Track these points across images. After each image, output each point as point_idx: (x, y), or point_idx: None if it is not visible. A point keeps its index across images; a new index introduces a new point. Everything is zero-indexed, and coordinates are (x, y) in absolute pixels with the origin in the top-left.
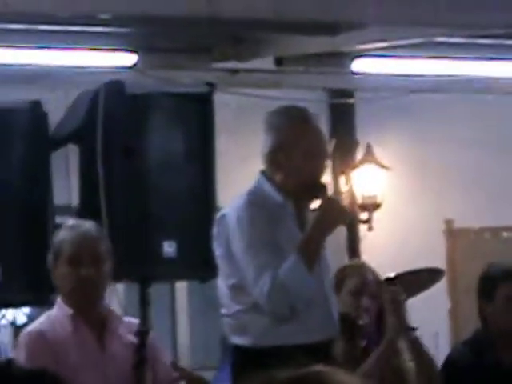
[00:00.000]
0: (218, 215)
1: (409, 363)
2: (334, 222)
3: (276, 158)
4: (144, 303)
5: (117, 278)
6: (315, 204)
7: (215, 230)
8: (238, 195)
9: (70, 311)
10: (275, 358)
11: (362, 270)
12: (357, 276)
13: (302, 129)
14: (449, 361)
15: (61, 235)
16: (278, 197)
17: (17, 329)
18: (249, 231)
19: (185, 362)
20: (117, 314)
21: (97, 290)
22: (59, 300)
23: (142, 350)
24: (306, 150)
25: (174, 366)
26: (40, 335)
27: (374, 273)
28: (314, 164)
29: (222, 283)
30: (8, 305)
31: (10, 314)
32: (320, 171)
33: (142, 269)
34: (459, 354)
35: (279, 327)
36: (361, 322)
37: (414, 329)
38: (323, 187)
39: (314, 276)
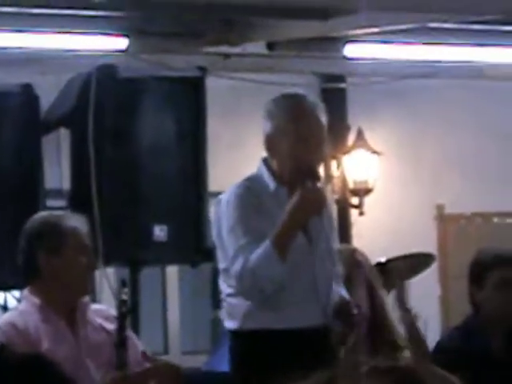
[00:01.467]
0: (216, 200)
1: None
2: (309, 211)
3: (272, 144)
4: (134, 287)
5: (107, 261)
6: None
7: (212, 216)
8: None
9: (37, 301)
10: (258, 342)
11: (354, 255)
12: (348, 263)
13: (296, 114)
14: (439, 347)
15: (64, 223)
16: (272, 184)
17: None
18: (233, 215)
19: (175, 346)
20: (86, 301)
21: (92, 280)
22: (26, 292)
23: (122, 331)
24: (298, 135)
25: (144, 356)
26: (11, 326)
27: (366, 258)
28: (308, 149)
29: (219, 267)
30: None
31: (1, 297)
32: (314, 156)
33: (133, 253)
34: (449, 340)
35: (262, 312)
36: (355, 312)
37: (409, 310)
38: (313, 171)
39: (304, 267)
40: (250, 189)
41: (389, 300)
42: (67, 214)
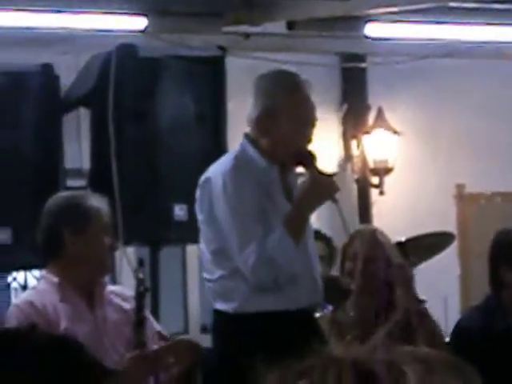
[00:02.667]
0: (202, 179)
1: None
2: (322, 196)
3: (264, 124)
4: (154, 267)
5: (128, 241)
6: (300, 169)
7: (198, 194)
8: (221, 159)
9: (56, 281)
10: (257, 324)
11: (375, 235)
12: (369, 242)
13: (293, 96)
14: (459, 326)
15: (89, 202)
16: (262, 162)
17: None
18: (235, 198)
19: (195, 325)
20: (104, 282)
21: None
22: (45, 272)
23: (141, 310)
24: (295, 117)
25: (160, 335)
26: (29, 305)
27: (386, 238)
28: (303, 132)
29: (204, 248)
30: (19, 267)
31: (21, 276)
32: (308, 139)
33: (153, 232)
34: (470, 320)
35: (262, 294)
36: (352, 287)
37: (423, 301)
38: (312, 155)
39: (300, 247)
40: (243, 169)
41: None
42: (89, 194)
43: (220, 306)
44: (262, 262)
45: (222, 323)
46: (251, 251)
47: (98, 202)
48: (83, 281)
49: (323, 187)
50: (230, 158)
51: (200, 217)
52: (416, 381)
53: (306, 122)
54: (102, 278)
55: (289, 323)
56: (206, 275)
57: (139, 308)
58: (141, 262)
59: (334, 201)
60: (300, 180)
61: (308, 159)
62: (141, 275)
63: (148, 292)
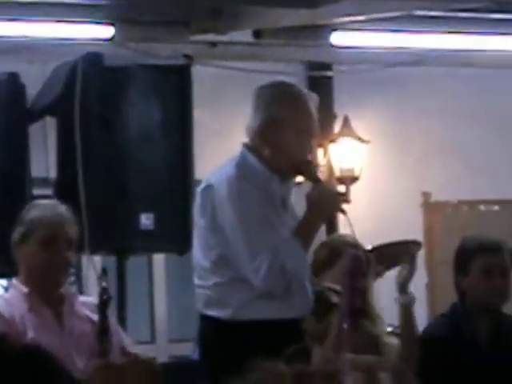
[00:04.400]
0: (203, 185)
1: (389, 337)
2: (331, 207)
3: (265, 134)
4: (121, 275)
5: (94, 250)
6: (299, 179)
7: (199, 200)
8: (222, 166)
9: (25, 290)
10: (250, 332)
11: (354, 247)
12: (350, 256)
13: (296, 106)
14: (426, 334)
15: (33, 213)
16: (263, 171)
17: None
18: (242, 206)
19: (162, 334)
20: (73, 292)
21: (66, 273)
22: (14, 281)
23: (104, 319)
24: (297, 127)
25: (123, 351)
26: None
27: (363, 250)
28: (304, 142)
29: (200, 254)
30: None
31: None
32: (309, 149)
33: (120, 241)
34: (436, 328)
35: (259, 302)
36: (334, 301)
37: (408, 293)
38: (313, 165)
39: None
40: (246, 177)
41: (373, 289)
42: (36, 204)
43: (212, 312)
44: (274, 272)
45: (212, 330)
46: (262, 260)
47: (40, 212)
48: (44, 291)
49: (331, 198)
50: (231, 166)
51: (201, 223)
52: None
53: (308, 133)
54: (54, 290)
55: (281, 333)
56: (198, 281)
57: (103, 317)
58: (104, 271)
59: (343, 212)
60: (296, 190)
61: (309, 169)
62: (104, 284)
63: (111, 300)
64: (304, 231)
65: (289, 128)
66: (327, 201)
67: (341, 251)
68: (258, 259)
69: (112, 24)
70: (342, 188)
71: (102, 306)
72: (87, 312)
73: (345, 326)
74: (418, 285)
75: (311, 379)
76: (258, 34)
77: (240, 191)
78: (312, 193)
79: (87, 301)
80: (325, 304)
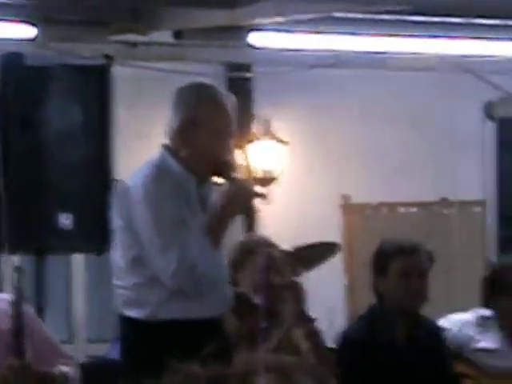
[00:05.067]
0: (119, 186)
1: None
2: (241, 203)
3: (184, 134)
4: (39, 276)
5: (13, 250)
6: (218, 179)
7: (115, 201)
8: (140, 168)
9: None
10: (169, 331)
11: (268, 246)
12: (264, 253)
13: (214, 107)
14: (344, 336)
15: None
16: (181, 172)
17: None
18: (156, 206)
19: (80, 334)
20: None
21: None
22: None
23: (18, 318)
24: (215, 128)
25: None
26: None
27: (278, 249)
28: (222, 143)
29: (117, 255)
30: None
31: None
32: (227, 150)
33: (38, 241)
34: (354, 330)
35: (175, 301)
36: (256, 301)
37: (313, 320)
38: (230, 166)
39: (215, 256)
40: (163, 178)
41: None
42: None
43: (131, 312)
44: (183, 269)
45: (131, 330)
46: (172, 257)
47: None
48: None
49: (242, 195)
50: (148, 167)
51: (117, 223)
52: None
53: (225, 134)
54: None
55: (200, 331)
56: (117, 282)
57: (16, 316)
58: (18, 270)
59: (261, 196)
60: (216, 190)
61: (226, 170)
62: (16, 283)
63: (23, 300)
64: (214, 227)
65: (207, 129)
66: (239, 194)
67: (255, 250)
68: (167, 256)
69: (34, 24)
70: (261, 189)
71: (16, 306)
72: (6, 308)
73: (263, 325)
74: (338, 286)
75: (226, 381)
76: (178, 34)
77: (155, 191)
78: (226, 189)
79: (7, 298)
80: (245, 303)
